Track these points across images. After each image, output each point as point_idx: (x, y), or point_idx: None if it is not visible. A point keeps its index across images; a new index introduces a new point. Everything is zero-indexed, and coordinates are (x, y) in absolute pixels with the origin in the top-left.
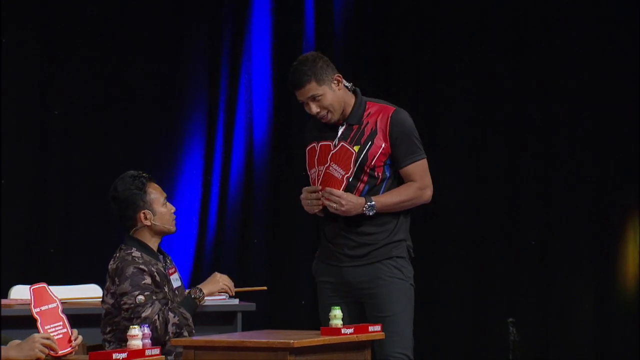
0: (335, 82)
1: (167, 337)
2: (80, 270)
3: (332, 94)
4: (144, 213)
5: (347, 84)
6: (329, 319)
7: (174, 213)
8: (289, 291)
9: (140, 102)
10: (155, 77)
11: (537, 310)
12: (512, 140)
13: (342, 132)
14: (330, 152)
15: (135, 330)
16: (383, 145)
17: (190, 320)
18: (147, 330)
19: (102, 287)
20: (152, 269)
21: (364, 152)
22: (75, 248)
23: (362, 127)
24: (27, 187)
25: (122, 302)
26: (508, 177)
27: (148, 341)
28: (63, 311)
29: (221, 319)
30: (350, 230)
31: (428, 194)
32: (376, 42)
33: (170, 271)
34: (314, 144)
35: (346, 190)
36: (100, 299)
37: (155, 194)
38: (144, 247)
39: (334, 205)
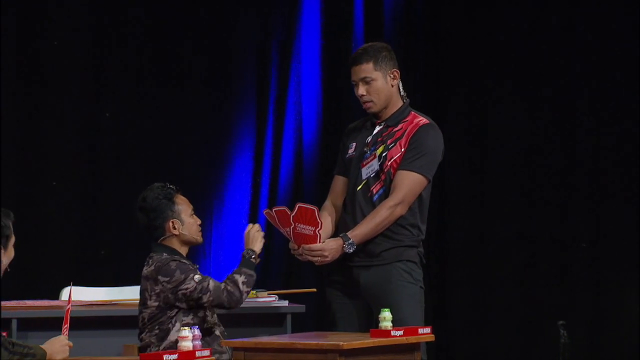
0: (392, 75)
1: (243, 297)
2: (130, 272)
3: (383, 83)
4: (172, 222)
5: (401, 87)
6: (379, 321)
7: (199, 225)
8: None
9: (189, 104)
10: (204, 80)
11: (588, 313)
12: (565, 140)
13: (378, 131)
14: (290, 215)
15: (185, 332)
16: (402, 150)
17: (255, 277)
18: (197, 332)
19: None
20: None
21: (386, 152)
22: (126, 250)
23: (395, 129)
24: (79, 189)
25: (179, 292)
26: (559, 179)
27: (198, 342)
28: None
29: (270, 320)
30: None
31: (398, 211)
32: (427, 42)
33: None
34: (269, 211)
35: (362, 190)
36: (139, 308)
37: (183, 204)
38: (174, 254)
39: (317, 259)
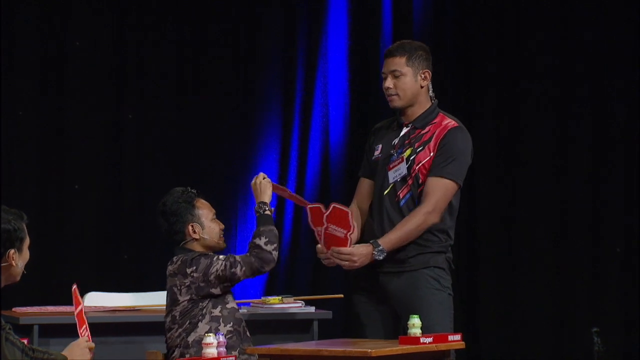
0: (423, 75)
1: (274, 255)
2: (153, 277)
3: (412, 81)
4: (192, 226)
5: (431, 89)
6: (407, 328)
7: (223, 230)
8: None
9: (214, 107)
10: (229, 81)
11: (622, 320)
12: (596, 143)
13: (405, 133)
14: (324, 214)
15: (210, 338)
16: (431, 154)
17: (275, 230)
18: (222, 339)
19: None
20: None
21: (414, 156)
22: (149, 254)
23: (423, 132)
24: (101, 192)
25: (210, 276)
26: (592, 183)
27: (223, 349)
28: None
29: (297, 327)
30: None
31: (431, 219)
32: (456, 42)
33: None
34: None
35: (388, 195)
36: (167, 309)
37: (204, 208)
38: None
39: (346, 263)
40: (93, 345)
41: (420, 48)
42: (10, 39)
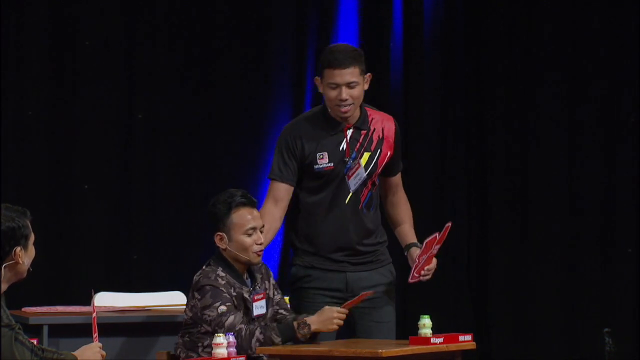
0: (367, 79)
1: (249, 352)
2: (164, 277)
3: (361, 89)
4: (219, 235)
5: None
6: (418, 328)
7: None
8: None
9: (224, 106)
10: (239, 79)
11: (634, 320)
12: (608, 142)
13: (351, 136)
14: (436, 239)
15: (220, 339)
16: (389, 154)
17: (279, 344)
18: (232, 339)
19: (187, 294)
20: (232, 292)
21: (375, 159)
22: (159, 255)
23: (370, 133)
24: (111, 192)
25: (204, 315)
26: (604, 182)
27: (233, 349)
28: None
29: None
30: (354, 235)
31: None
32: (467, 38)
33: (258, 297)
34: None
35: (350, 204)
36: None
37: (242, 219)
38: (230, 269)
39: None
40: (105, 353)
41: (362, 52)
42: (20, 38)
